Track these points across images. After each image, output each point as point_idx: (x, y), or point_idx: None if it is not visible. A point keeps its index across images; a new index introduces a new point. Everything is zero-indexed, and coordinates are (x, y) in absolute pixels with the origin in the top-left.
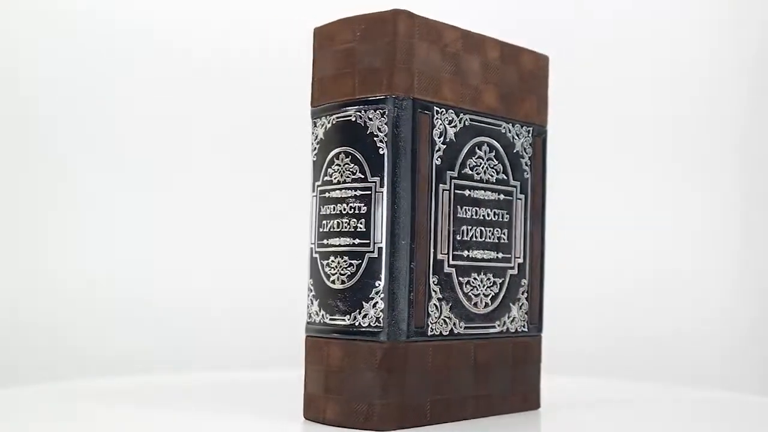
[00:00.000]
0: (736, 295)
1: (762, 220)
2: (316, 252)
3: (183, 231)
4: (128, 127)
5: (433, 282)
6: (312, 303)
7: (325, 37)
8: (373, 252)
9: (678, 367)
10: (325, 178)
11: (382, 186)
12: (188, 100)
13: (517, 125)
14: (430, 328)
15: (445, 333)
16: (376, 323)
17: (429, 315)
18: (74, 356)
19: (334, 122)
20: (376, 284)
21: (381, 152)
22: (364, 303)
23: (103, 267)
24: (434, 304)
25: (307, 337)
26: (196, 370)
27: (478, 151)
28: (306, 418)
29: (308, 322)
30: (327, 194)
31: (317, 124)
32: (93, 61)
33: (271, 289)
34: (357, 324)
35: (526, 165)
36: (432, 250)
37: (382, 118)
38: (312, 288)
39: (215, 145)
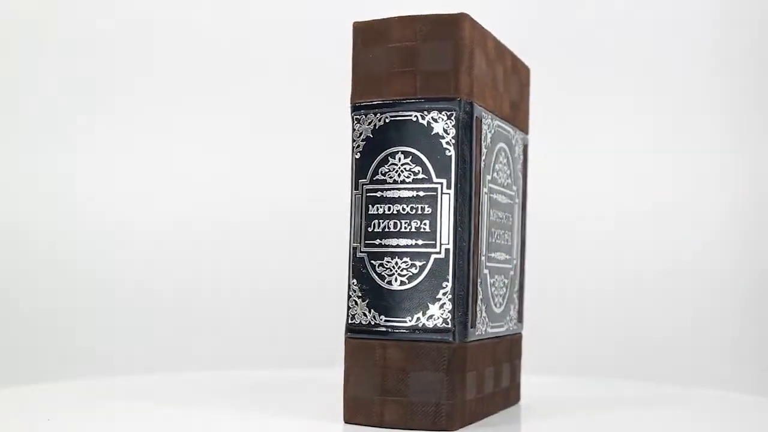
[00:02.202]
0: (736, 296)
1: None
2: (362, 252)
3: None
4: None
5: (479, 283)
6: (356, 304)
7: (375, 33)
8: (439, 253)
9: (674, 367)
10: (376, 177)
11: (449, 187)
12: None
13: (517, 132)
14: (476, 329)
15: (483, 333)
16: (444, 324)
17: (476, 315)
18: (107, 354)
19: (387, 120)
20: (444, 285)
21: (448, 154)
22: (429, 304)
23: (120, 266)
24: (479, 304)
25: (350, 338)
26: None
27: (500, 156)
28: (351, 422)
29: (352, 324)
30: (379, 193)
31: (361, 121)
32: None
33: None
34: (421, 325)
35: (520, 171)
36: (478, 252)
37: (449, 120)
38: (357, 289)
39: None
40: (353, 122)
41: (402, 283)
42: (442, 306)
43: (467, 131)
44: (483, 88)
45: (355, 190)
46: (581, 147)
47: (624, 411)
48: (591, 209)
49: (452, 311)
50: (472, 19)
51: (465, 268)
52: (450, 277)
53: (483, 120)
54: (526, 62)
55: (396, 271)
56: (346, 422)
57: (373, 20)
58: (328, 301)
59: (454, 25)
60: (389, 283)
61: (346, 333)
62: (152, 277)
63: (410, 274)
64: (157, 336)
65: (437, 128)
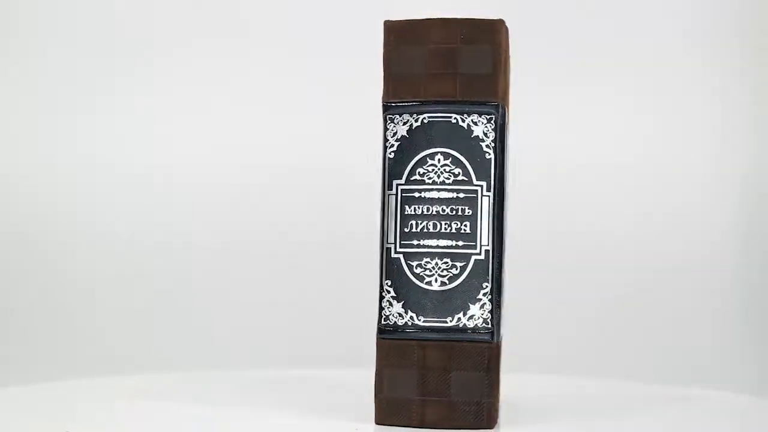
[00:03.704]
0: (735, 296)
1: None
2: (397, 252)
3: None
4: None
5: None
6: (391, 304)
7: (412, 33)
8: (479, 254)
9: (672, 367)
10: (413, 178)
11: (488, 190)
12: None
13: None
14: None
15: (501, 333)
16: (484, 324)
17: (502, 315)
18: (139, 353)
19: (425, 121)
20: (484, 286)
21: (488, 157)
22: (470, 305)
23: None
24: (502, 304)
25: (383, 339)
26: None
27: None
28: (383, 423)
29: (385, 325)
30: (416, 194)
31: (395, 121)
32: None
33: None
34: (462, 325)
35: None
36: (504, 253)
37: (489, 124)
38: (391, 289)
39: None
40: (385, 121)
41: (442, 284)
42: (482, 306)
43: (502, 134)
44: (507, 92)
45: (389, 190)
46: (568, 138)
47: (622, 411)
48: (583, 205)
49: (491, 311)
50: (506, 25)
51: (499, 270)
52: (490, 278)
53: (507, 123)
54: None
55: (436, 272)
56: (377, 423)
57: (410, 20)
58: (344, 302)
59: (493, 30)
60: (428, 284)
61: (378, 334)
62: (166, 279)
63: (451, 275)
64: (172, 336)
65: (477, 131)
